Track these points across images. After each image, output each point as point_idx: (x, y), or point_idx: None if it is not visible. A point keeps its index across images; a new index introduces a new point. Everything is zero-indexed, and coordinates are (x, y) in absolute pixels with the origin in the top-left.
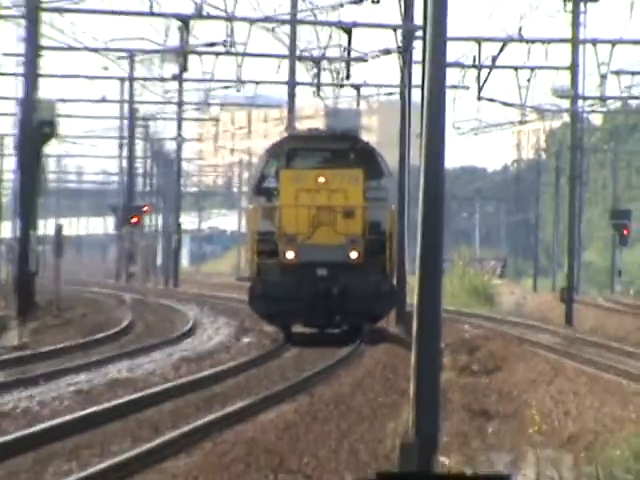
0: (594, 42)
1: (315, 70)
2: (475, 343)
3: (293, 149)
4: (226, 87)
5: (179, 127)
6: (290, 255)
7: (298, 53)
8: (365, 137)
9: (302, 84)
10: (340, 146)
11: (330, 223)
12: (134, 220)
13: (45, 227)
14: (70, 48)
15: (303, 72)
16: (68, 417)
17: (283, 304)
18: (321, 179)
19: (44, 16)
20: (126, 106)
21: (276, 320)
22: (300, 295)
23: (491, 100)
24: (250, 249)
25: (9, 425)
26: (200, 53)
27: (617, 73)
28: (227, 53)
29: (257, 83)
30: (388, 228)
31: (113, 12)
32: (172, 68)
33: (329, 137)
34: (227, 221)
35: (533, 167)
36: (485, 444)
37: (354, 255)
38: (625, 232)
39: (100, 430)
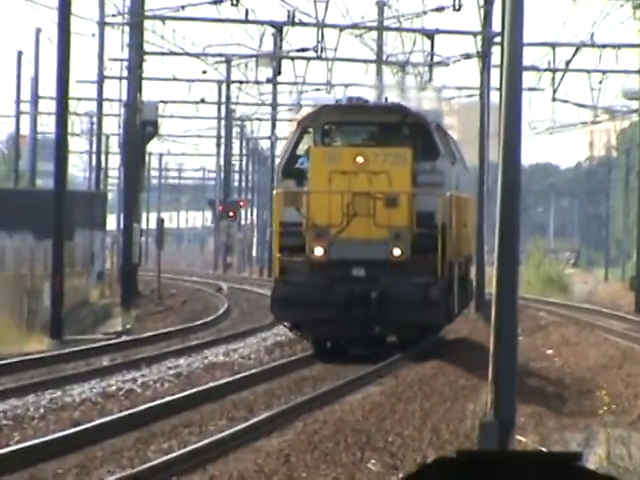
0: None
1: (400, 74)
2: (550, 329)
3: (330, 122)
4: (317, 89)
5: (273, 127)
6: (319, 251)
7: (384, 58)
8: None
9: (388, 87)
10: (387, 119)
11: (369, 213)
12: (231, 214)
13: (147, 221)
14: (171, 53)
15: (389, 75)
16: (168, 398)
17: (310, 310)
18: (360, 159)
19: (147, 24)
20: (223, 107)
21: (302, 329)
22: (331, 300)
23: (565, 101)
24: (274, 243)
25: (114, 406)
26: (293, 58)
27: None
28: (318, 58)
29: (346, 86)
30: (442, 220)
31: (211, 20)
32: (266, 72)
33: (374, 109)
34: None
35: (604, 164)
36: (559, 424)
37: (397, 252)
38: None
39: (198, 410)
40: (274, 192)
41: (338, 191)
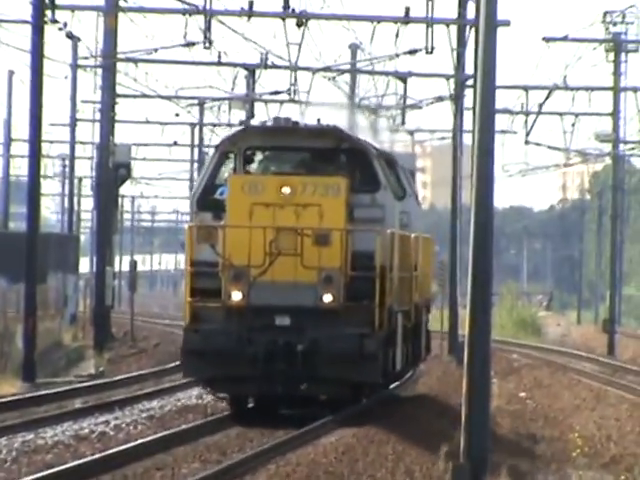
0: (634, 90)
1: (373, 116)
2: (523, 371)
3: (253, 147)
4: None
5: None
6: (237, 296)
7: (357, 100)
8: (419, 178)
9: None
10: (319, 144)
11: (296, 252)
12: None
13: (120, 263)
14: (144, 96)
15: (362, 118)
16: (141, 441)
17: (226, 365)
18: (286, 189)
19: (120, 66)
20: (196, 150)
21: (216, 387)
22: (250, 353)
23: (537, 144)
24: (185, 286)
25: (86, 449)
26: (266, 101)
27: None
28: (291, 100)
29: None
30: (381, 261)
31: (184, 62)
32: (239, 114)
33: (305, 132)
34: None
35: (577, 207)
36: (532, 466)
37: (328, 298)
38: None
39: (171, 453)
40: (186, 226)
41: (260, 226)
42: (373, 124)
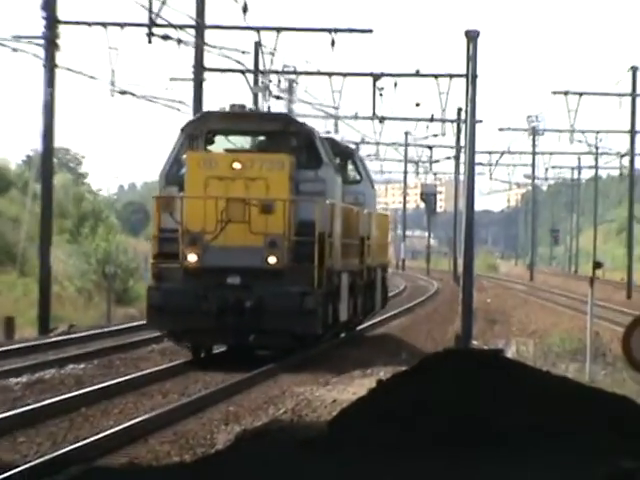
0: (542, 153)
1: (415, 167)
2: (489, 290)
3: (213, 130)
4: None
5: None
6: (193, 258)
7: (409, 158)
8: (439, 196)
9: (409, 172)
10: (269, 127)
11: (244, 220)
12: None
13: None
14: None
15: (410, 167)
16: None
17: (184, 319)
18: (237, 165)
19: None
20: None
21: (178, 338)
22: (205, 308)
23: (496, 179)
24: (151, 249)
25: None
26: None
27: (553, 167)
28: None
29: (390, 172)
30: (320, 228)
31: None
32: None
33: (258, 117)
34: None
35: (515, 210)
36: (493, 336)
37: (272, 260)
38: (556, 238)
39: None
40: (153, 198)
41: (212, 197)
42: (416, 170)
